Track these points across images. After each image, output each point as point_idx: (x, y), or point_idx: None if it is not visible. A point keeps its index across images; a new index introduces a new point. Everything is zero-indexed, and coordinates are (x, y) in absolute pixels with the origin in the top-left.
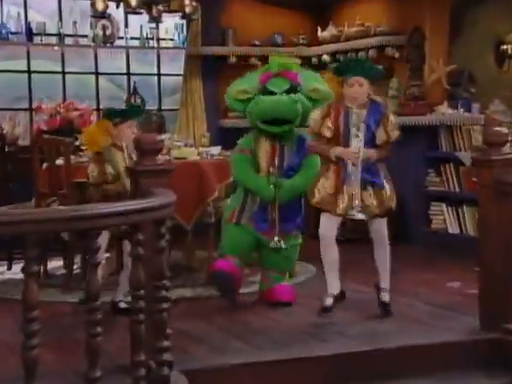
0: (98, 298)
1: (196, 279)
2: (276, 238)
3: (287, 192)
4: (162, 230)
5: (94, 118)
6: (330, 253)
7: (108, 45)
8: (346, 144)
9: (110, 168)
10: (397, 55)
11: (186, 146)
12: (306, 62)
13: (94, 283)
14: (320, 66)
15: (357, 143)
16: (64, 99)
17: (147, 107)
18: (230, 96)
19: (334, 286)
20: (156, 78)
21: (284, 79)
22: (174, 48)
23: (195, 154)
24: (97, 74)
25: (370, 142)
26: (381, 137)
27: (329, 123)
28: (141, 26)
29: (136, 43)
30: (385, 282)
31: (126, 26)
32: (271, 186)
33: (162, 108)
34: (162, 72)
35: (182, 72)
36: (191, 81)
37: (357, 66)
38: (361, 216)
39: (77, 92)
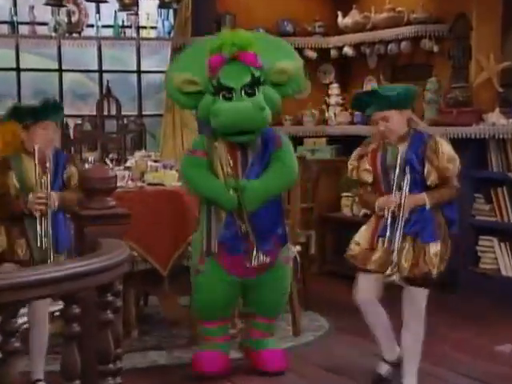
0: None
1: (175, 337)
2: (254, 253)
3: (254, 194)
4: (108, 297)
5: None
6: (374, 317)
7: (74, 35)
8: (388, 190)
9: (15, 179)
10: (436, 49)
11: (164, 167)
12: (323, 55)
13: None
14: (340, 61)
15: (398, 188)
16: (19, 99)
17: (124, 112)
18: (174, 85)
19: (388, 350)
20: (135, 75)
21: (241, 65)
22: (158, 39)
23: (175, 179)
24: (60, 71)
25: (420, 183)
26: (430, 176)
27: (366, 165)
28: (115, 12)
29: (109, 33)
30: (405, 366)
31: (98, 11)
32: (231, 191)
33: (143, 113)
34: (142, 68)
35: (167, 68)
36: None
37: (374, 100)
38: (395, 278)
39: (37, 90)
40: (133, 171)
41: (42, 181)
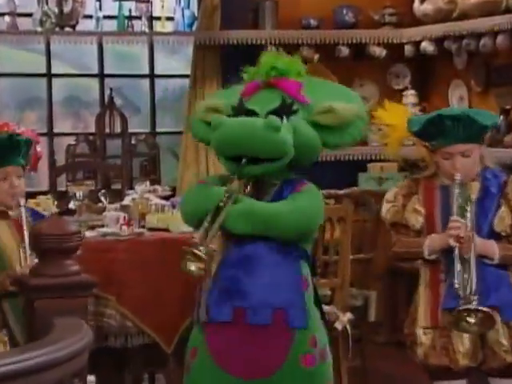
0: None
1: None
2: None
3: (249, 214)
4: None
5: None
6: None
7: (67, 29)
8: None
9: None
10: None
11: (173, 206)
12: (395, 52)
13: None
14: (418, 60)
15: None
16: None
17: (131, 130)
18: (196, 116)
19: None
20: (147, 81)
21: (276, 92)
22: (176, 34)
23: None
24: (50, 76)
25: (489, 233)
26: (504, 221)
27: (417, 205)
28: None
29: (113, 26)
30: None
31: None
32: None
33: (157, 130)
34: (156, 72)
35: (188, 72)
36: (204, 85)
37: (457, 129)
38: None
39: (21, 97)
40: (130, 212)
41: (20, 250)
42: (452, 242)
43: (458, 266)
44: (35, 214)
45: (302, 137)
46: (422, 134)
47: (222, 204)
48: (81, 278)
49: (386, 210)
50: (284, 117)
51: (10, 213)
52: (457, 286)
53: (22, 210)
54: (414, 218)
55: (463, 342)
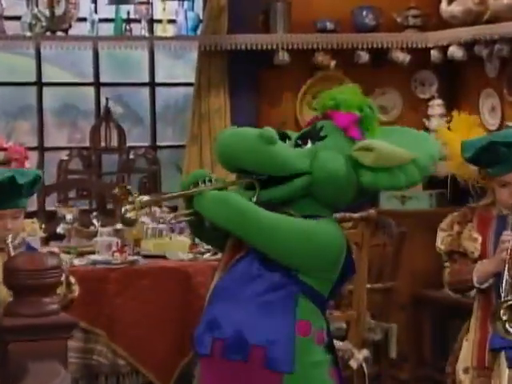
0: None
1: None
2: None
3: (225, 201)
4: None
5: (30, 166)
6: None
7: (59, 33)
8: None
9: None
10: None
11: (172, 230)
12: (420, 58)
13: None
14: (445, 67)
15: None
16: None
17: (130, 143)
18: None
19: None
20: (147, 90)
21: (327, 123)
22: (179, 38)
23: (186, 248)
24: (41, 84)
25: None
26: None
27: (474, 233)
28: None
29: (110, 30)
30: None
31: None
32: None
33: (158, 144)
34: (157, 80)
35: (192, 80)
36: (209, 94)
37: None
38: None
39: (11, 107)
40: (124, 237)
41: None
42: (503, 255)
43: (504, 275)
44: (30, 249)
45: (323, 164)
46: (476, 161)
47: (201, 184)
48: (60, 317)
49: (441, 239)
50: (309, 140)
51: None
52: (503, 294)
53: (10, 246)
54: (472, 245)
55: None
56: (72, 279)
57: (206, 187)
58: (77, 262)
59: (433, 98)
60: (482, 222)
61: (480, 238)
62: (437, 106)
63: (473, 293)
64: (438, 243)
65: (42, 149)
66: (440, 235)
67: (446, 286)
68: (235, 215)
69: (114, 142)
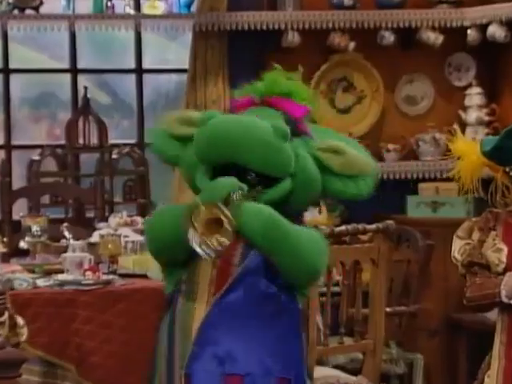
0: None
1: None
2: None
3: (267, 215)
4: None
5: None
6: None
7: (28, 12)
8: None
9: None
10: None
11: None
12: (455, 39)
13: None
14: (485, 49)
15: None
16: None
17: (112, 140)
18: (163, 128)
19: None
20: (134, 77)
21: (275, 112)
22: (170, 17)
23: None
24: (7, 71)
25: None
26: None
27: (499, 243)
28: None
29: (88, 8)
30: None
31: None
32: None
33: (146, 141)
34: (144, 67)
35: (186, 66)
36: (206, 82)
37: None
38: None
39: None
40: (99, 252)
41: None
42: None
43: None
44: None
45: (304, 165)
46: (496, 157)
47: (233, 196)
48: (6, 353)
49: (457, 248)
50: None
51: None
52: None
53: None
54: (496, 256)
55: None
56: (20, 320)
57: (238, 199)
58: (41, 282)
59: (470, 85)
60: (508, 230)
61: (506, 249)
62: (475, 96)
63: (491, 314)
64: (455, 253)
65: (8, 147)
66: (457, 243)
67: (465, 301)
68: (275, 226)
69: (94, 139)
